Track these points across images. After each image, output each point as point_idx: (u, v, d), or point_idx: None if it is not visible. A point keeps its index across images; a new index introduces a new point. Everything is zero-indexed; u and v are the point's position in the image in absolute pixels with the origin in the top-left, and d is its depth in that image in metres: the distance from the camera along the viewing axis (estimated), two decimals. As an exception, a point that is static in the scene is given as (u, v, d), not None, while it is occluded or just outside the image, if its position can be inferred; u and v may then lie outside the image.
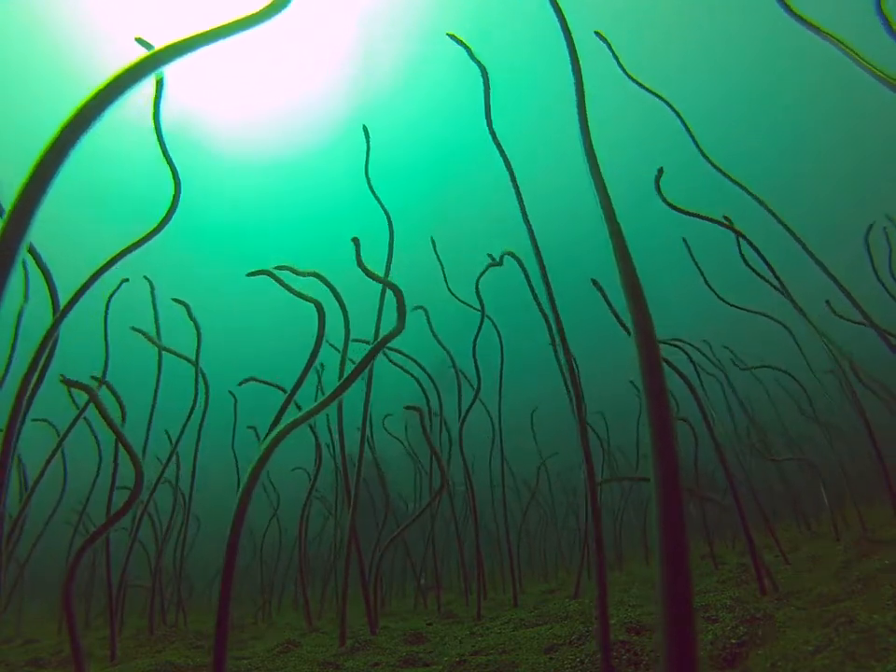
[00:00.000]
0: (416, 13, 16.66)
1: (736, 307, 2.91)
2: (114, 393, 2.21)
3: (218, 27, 0.66)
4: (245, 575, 5.02)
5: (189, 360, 2.82)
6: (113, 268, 1.63)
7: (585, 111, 0.93)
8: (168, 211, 1.72)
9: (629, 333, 0.63)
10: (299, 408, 2.34)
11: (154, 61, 0.59)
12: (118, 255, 1.63)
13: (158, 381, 2.85)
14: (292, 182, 19.88)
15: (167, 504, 3.38)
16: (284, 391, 2.46)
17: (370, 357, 1.21)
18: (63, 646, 2.81)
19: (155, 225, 1.69)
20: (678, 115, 2.36)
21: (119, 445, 2.19)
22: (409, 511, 4.19)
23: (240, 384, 2.79)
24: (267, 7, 0.70)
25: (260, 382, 2.78)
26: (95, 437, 2.90)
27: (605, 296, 1.98)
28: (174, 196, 1.74)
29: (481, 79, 1.89)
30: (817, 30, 1.39)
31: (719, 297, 2.96)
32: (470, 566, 3.39)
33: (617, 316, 2.00)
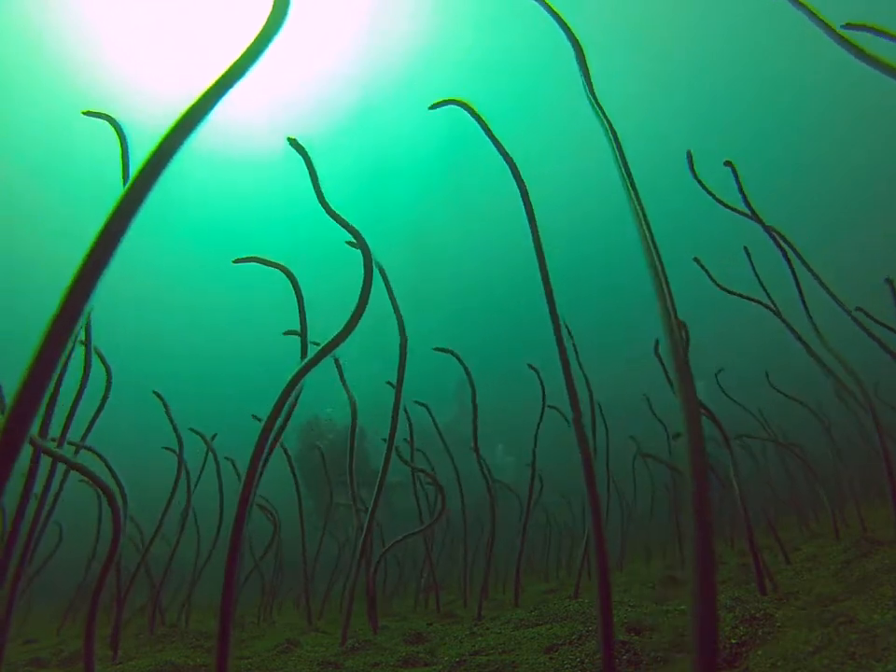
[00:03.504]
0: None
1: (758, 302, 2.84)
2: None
3: (239, 58, 0.66)
4: (245, 574, 5.01)
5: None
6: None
7: (617, 138, 0.92)
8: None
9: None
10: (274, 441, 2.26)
11: (188, 123, 0.59)
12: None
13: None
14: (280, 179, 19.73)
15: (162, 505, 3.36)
16: (259, 420, 2.36)
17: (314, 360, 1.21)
18: (63, 646, 2.81)
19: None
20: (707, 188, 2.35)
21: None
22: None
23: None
24: (267, 24, 0.70)
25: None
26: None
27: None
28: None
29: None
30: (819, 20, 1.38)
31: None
32: (473, 566, 3.39)
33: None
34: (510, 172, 1.51)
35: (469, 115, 1.56)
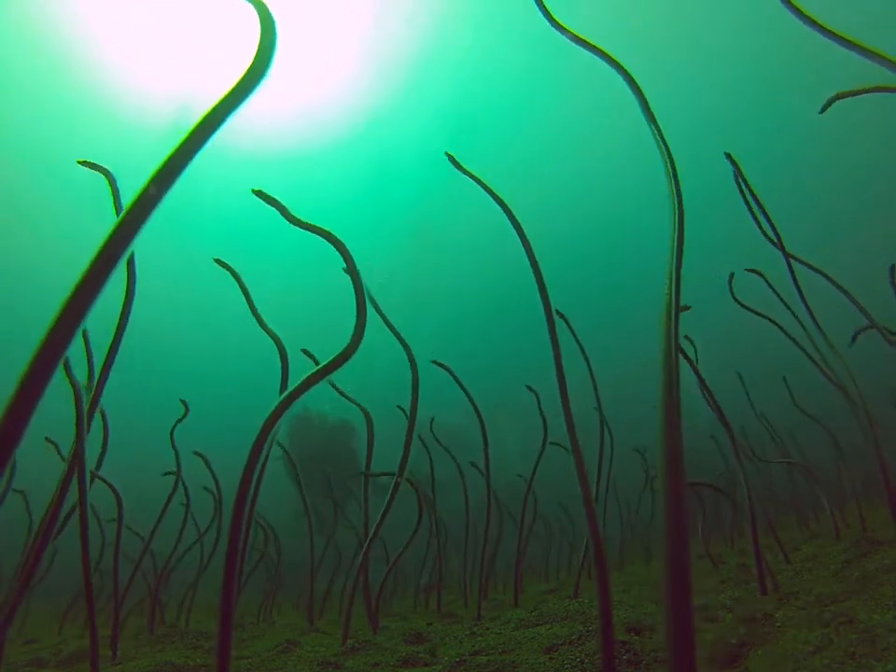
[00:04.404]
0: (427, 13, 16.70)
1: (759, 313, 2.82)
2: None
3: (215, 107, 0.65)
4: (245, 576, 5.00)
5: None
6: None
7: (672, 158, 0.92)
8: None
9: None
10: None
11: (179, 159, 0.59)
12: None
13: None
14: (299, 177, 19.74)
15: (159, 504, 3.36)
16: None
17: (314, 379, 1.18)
18: (63, 646, 2.81)
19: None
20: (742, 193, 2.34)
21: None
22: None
23: None
24: (248, 72, 0.69)
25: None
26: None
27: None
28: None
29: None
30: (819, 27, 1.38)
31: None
32: (473, 567, 3.39)
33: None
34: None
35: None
